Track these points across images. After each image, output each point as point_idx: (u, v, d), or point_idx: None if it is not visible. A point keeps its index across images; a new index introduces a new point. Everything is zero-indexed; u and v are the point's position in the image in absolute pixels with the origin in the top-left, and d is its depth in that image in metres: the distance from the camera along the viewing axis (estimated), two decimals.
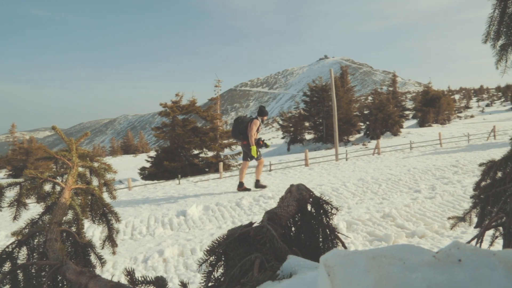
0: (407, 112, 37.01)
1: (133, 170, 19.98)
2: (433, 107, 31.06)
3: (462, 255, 0.45)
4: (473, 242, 1.47)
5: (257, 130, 7.88)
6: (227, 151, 16.74)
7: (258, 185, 8.31)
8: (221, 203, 7.02)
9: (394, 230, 5.35)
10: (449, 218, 2.20)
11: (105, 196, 1.87)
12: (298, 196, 1.10)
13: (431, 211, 5.98)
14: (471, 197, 2.02)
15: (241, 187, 8.21)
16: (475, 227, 2.04)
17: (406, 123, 31.79)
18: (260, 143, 7.95)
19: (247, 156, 8.03)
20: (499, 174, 1.83)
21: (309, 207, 1.11)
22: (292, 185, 1.18)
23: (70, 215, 1.55)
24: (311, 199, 1.11)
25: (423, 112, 30.96)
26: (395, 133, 27.54)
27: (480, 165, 2.09)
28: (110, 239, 1.81)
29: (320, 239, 1.09)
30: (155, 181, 11.73)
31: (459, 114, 39.75)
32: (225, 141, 16.50)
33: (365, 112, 29.89)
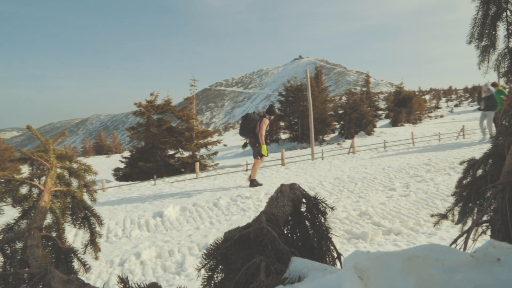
0: (380, 112, 37.70)
1: (106, 171, 19.54)
2: (405, 107, 31.73)
3: (500, 254, 0.43)
4: (460, 240, 1.48)
5: (266, 129, 8.06)
6: (203, 151, 16.61)
7: (253, 184, 8.36)
8: (198, 203, 6.94)
9: (371, 227, 5.41)
10: (432, 216, 2.22)
11: (85, 198, 1.79)
12: (293, 196, 1.07)
13: (406, 209, 6.09)
14: (452, 195, 2.05)
15: (253, 184, 8.28)
16: (456, 224, 2.07)
17: (379, 123, 32.38)
18: (267, 142, 8.17)
19: (257, 154, 8.10)
20: (480, 171, 1.86)
21: (303, 207, 1.09)
22: (283, 185, 1.15)
23: (49, 219, 1.46)
24: (304, 199, 1.09)
25: (396, 112, 31.59)
26: (369, 133, 28.02)
27: (461, 163, 2.13)
28: (93, 243, 1.72)
29: (315, 239, 1.06)
30: (130, 182, 11.49)
31: (430, 114, 40.76)
32: (201, 141, 16.37)
33: (340, 112, 30.23)
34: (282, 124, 29.82)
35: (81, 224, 1.68)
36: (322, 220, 1.09)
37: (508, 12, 1.52)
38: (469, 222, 2.14)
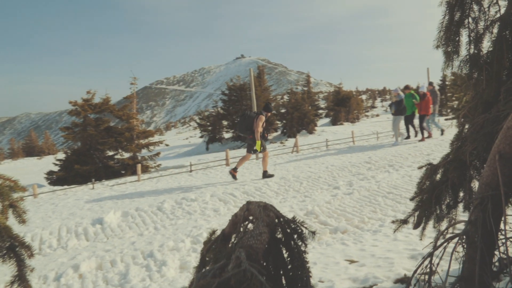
0: (320, 111, 38.73)
1: (38, 174, 18.23)
2: (344, 106, 32.87)
3: None
4: (437, 251, 1.46)
5: (262, 125, 8.50)
6: (144, 151, 16.03)
7: (266, 175, 8.75)
8: (141, 208, 6.63)
9: (318, 227, 5.46)
10: (393, 222, 2.23)
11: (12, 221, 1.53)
12: (268, 220, 0.95)
13: (350, 207, 6.22)
14: (411, 199, 2.06)
15: (234, 171, 8.73)
16: (414, 228, 2.08)
17: (320, 122, 33.24)
18: (265, 136, 8.71)
19: (251, 149, 8.62)
20: (438, 176, 1.88)
21: (278, 233, 0.97)
22: (250, 203, 1.04)
23: None
24: (280, 222, 0.97)
25: (335, 111, 32.62)
26: (311, 131, 28.69)
27: (420, 167, 2.15)
28: (22, 280, 1.47)
29: (290, 272, 0.95)
30: (66, 187, 10.78)
31: (367, 113, 42.57)
32: (142, 141, 15.78)
33: (282, 111, 30.68)
34: (225, 123, 29.68)
35: (5, 257, 1.41)
36: (303, 248, 0.97)
37: (470, 19, 1.53)
38: (429, 227, 2.17)
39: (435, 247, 1.30)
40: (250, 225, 1.06)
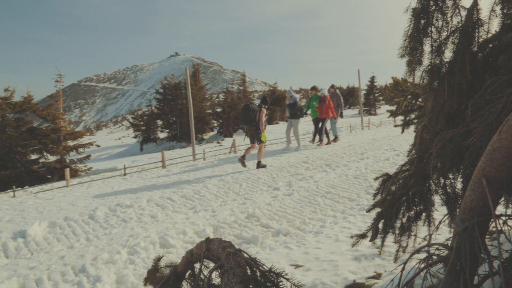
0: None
1: None
2: (279, 106, 33.43)
3: None
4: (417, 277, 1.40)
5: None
6: (73, 154, 15.00)
7: (260, 165, 9.43)
8: (71, 217, 6.14)
9: (260, 230, 5.41)
10: (352, 237, 2.18)
11: None
12: (242, 273, 0.80)
13: (291, 208, 6.25)
14: (368, 211, 2.03)
15: (243, 158, 9.31)
16: (370, 241, 2.05)
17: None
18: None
19: (253, 139, 9.47)
20: (393, 187, 1.85)
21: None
22: (210, 241, 0.88)
23: None
24: (256, 276, 0.82)
25: (271, 110, 33.05)
26: None
27: (376, 179, 2.13)
28: None
29: None
30: None
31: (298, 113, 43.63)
32: (71, 143, 14.75)
33: (218, 110, 30.51)
34: (160, 122, 28.89)
35: None
36: None
37: (433, 28, 1.51)
38: (390, 240, 2.14)
39: (403, 269, 1.25)
40: (215, 274, 0.90)
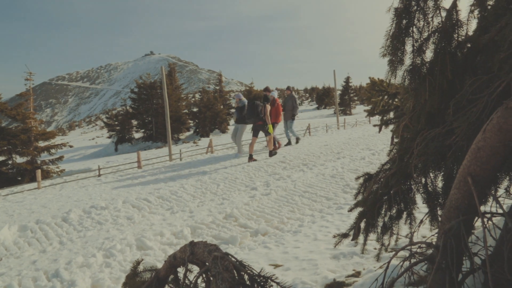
0: (232, 110, 38.98)
1: None
2: None
3: None
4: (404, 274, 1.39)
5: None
6: (45, 155, 14.57)
7: (272, 153, 10.45)
8: (43, 220, 5.94)
9: (238, 230, 5.38)
10: (334, 236, 2.18)
11: None
12: (230, 278, 0.76)
13: (269, 207, 6.24)
14: (349, 210, 2.03)
15: (251, 159, 10.07)
16: (352, 240, 2.05)
17: (232, 121, 33.44)
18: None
19: (257, 133, 10.43)
20: (375, 186, 1.86)
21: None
22: (194, 245, 0.85)
23: None
24: (244, 281, 0.79)
25: None
26: (223, 131, 28.75)
27: (357, 178, 2.13)
28: None
29: None
30: None
31: None
32: (42, 144, 14.33)
33: (194, 110, 30.29)
34: (135, 122, 28.45)
35: None
36: None
37: (415, 28, 1.51)
38: (370, 239, 2.15)
39: (387, 268, 1.25)
40: (200, 279, 0.87)
